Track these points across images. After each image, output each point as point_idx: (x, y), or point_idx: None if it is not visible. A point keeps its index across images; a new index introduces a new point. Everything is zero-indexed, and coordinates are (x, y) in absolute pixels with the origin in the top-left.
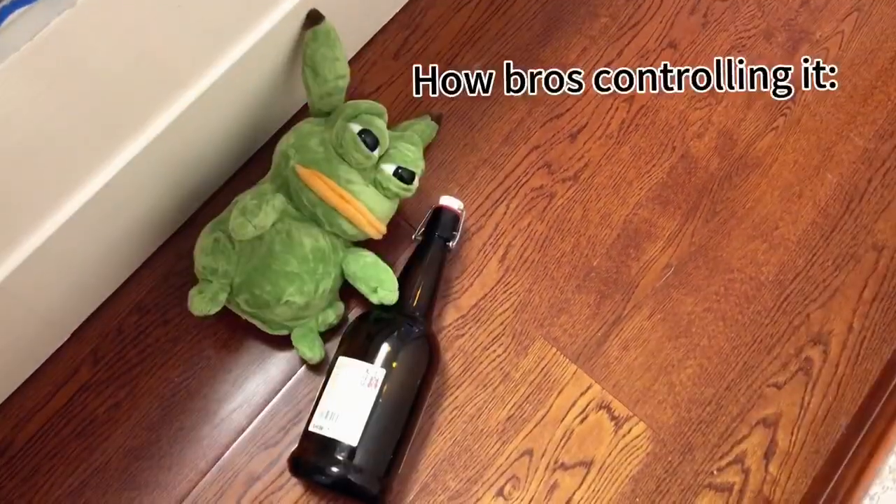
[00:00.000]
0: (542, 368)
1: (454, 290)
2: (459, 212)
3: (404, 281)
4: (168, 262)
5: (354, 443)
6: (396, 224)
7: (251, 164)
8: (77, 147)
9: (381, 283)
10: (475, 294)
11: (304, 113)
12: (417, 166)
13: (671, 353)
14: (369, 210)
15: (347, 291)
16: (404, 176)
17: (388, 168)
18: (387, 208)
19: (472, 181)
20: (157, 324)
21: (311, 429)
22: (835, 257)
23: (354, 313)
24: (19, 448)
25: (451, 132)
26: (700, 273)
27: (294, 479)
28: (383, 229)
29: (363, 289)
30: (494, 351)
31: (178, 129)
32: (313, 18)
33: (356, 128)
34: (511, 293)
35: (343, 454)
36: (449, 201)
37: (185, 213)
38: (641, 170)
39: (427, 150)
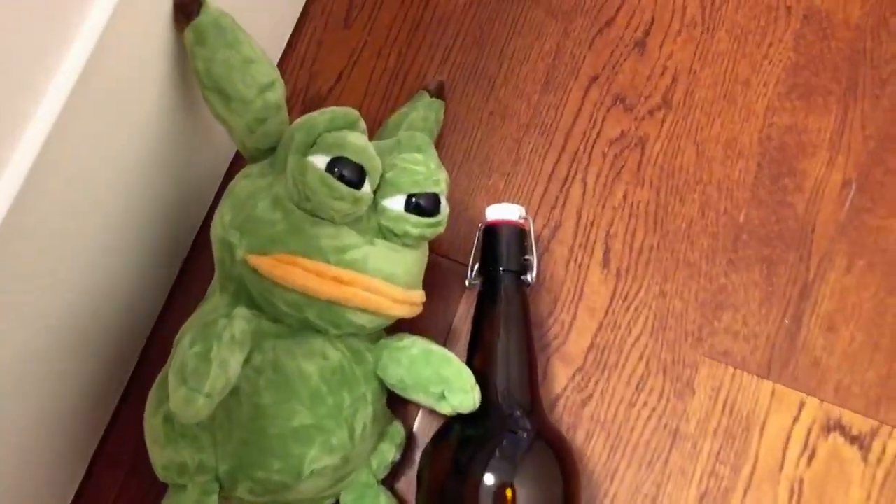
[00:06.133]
0: (724, 402)
1: (553, 337)
2: (522, 221)
3: (478, 363)
4: (121, 460)
5: None
6: (435, 266)
7: (187, 272)
8: None
9: (447, 383)
10: (586, 329)
11: (238, 163)
12: (438, 183)
13: None
14: (386, 281)
15: (399, 398)
16: (423, 205)
17: (395, 203)
18: (411, 264)
19: (521, 163)
20: None
21: None
22: None
23: (423, 428)
24: None
25: (465, 101)
26: (894, 177)
27: None
28: (418, 297)
29: (424, 400)
30: (645, 403)
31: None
32: (186, 10)
33: (321, 161)
34: (636, 308)
35: None
36: (500, 211)
37: (120, 384)
38: (755, 57)
39: (440, 143)
